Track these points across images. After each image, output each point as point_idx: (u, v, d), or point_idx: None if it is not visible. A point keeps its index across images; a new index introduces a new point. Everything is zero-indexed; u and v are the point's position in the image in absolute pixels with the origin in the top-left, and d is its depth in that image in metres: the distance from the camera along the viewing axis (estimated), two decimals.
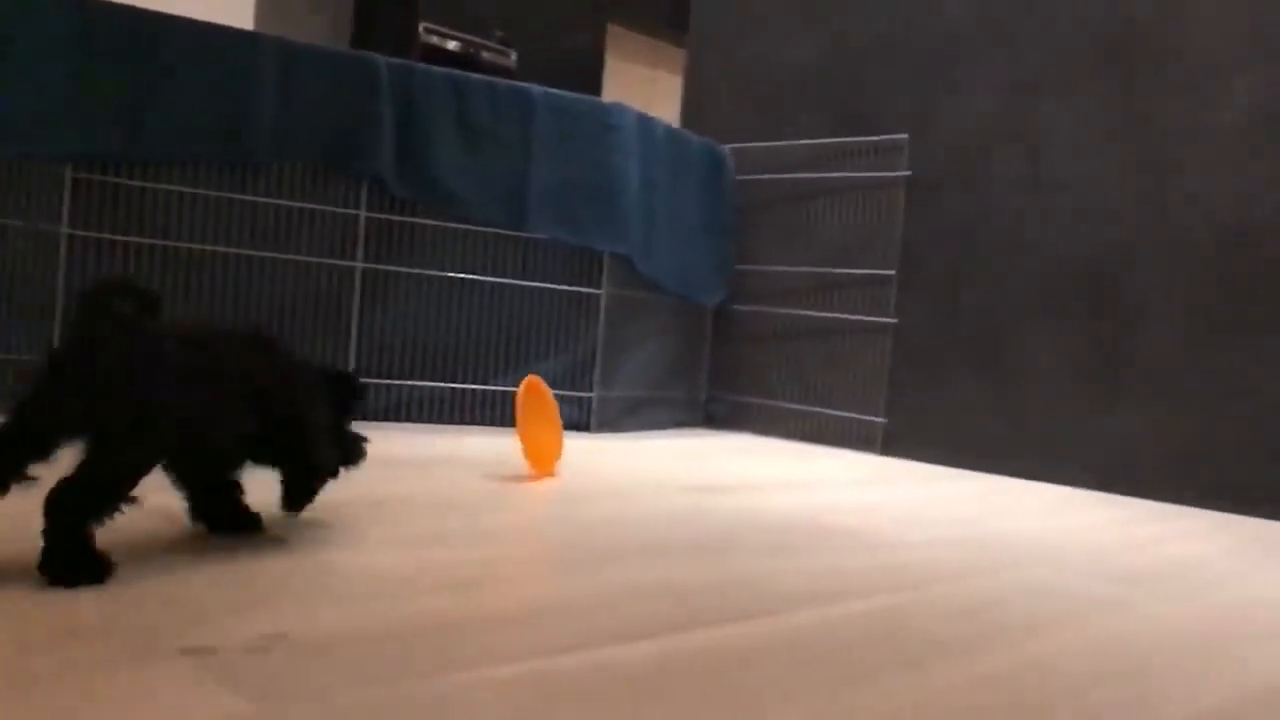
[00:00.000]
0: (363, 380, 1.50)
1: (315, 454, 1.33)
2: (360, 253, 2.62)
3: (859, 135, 3.20)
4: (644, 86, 5.91)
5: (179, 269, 2.43)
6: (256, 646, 0.93)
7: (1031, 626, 1.26)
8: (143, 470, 1.11)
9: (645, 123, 3.02)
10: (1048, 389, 2.78)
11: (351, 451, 1.46)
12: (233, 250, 2.48)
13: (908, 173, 3.07)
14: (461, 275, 2.75)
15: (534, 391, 2.13)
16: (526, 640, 1.02)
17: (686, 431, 3.27)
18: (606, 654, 1.00)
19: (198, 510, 1.31)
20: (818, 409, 3.22)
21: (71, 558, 1.05)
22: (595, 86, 5.39)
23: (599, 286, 2.91)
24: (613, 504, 1.86)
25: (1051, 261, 2.79)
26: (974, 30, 2.98)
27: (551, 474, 2.09)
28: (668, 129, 3.16)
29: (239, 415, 1.22)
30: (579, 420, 2.87)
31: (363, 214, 2.62)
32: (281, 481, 1.33)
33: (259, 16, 4.58)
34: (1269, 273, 2.47)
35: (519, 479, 2.00)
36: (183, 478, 1.29)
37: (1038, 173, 2.83)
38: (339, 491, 1.68)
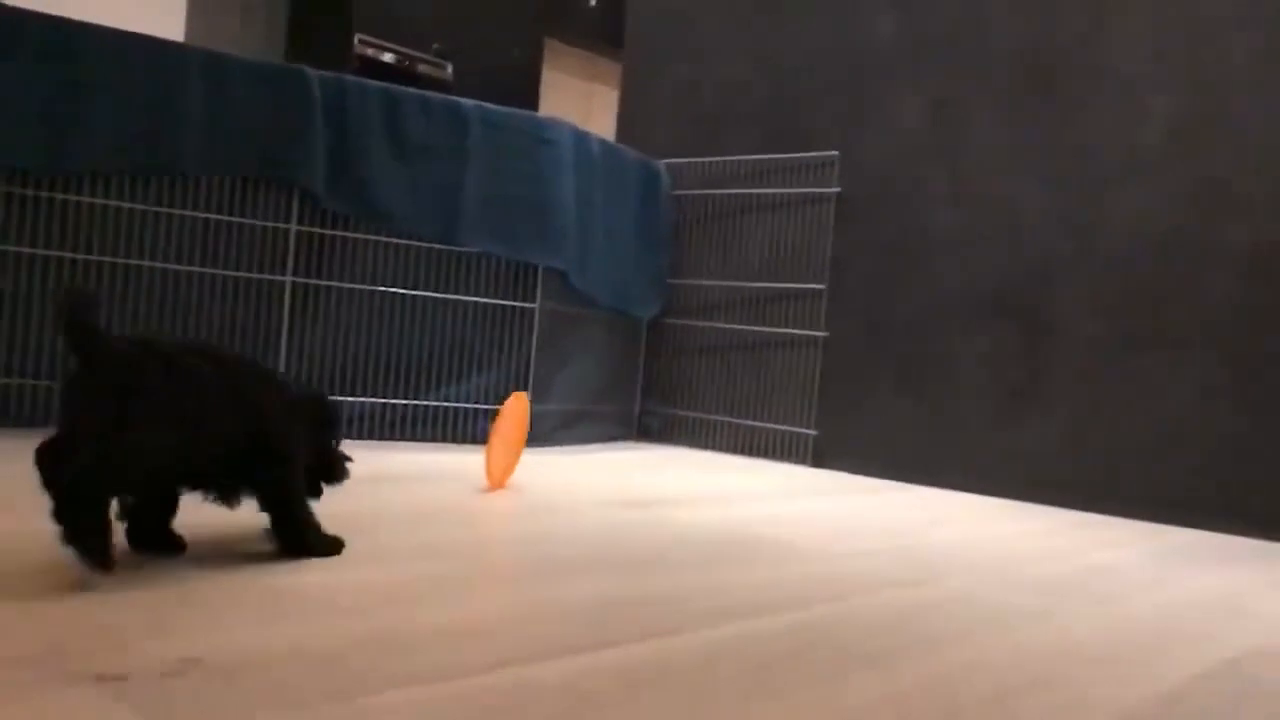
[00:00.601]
0: (336, 403, 1.53)
1: (290, 490, 1.37)
2: (290, 267, 2.59)
3: (791, 152, 3.24)
4: (581, 100, 5.93)
5: (105, 284, 2.38)
6: (171, 671, 0.92)
7: (951, 637, 1.29)
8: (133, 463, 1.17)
9: (581, 138, 3.04)
10: (972, 401, 2.84)
11: (333, 471, 1.48)
12: (160, 265, 2.44)
13: (838, 189, 3.12)
14: (394, 289, 2.73)
15: (516, 411, 2.19)
16: (447, 660, 1.02)
17: (621, 445, 3.28)
18: (527, 672, 1.00)
19: (134, 531, 1.31)
20: (750, 422, 3.25)
21: (91, 541, 1.12)
22: (532, 100, 5.39)
23: (533, 300, 2.91)
24: (545, 520, 1.87)
25: (976, 276, 2.86)
26: (902, 51, 3.04)
27: (502, 487, 2.13)
28: (604, 144, 3.18)
29: (220, 435, 1.28)
30: None
31: (293, 227, 2.60)
32: (271, 528, 1.36)
33: (190, 28, 4.52)
34: (1180, 287, 2.55)
35: (452, 494, 1.99)
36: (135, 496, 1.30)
37: (963, 190, 2.90)
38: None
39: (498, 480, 2.11)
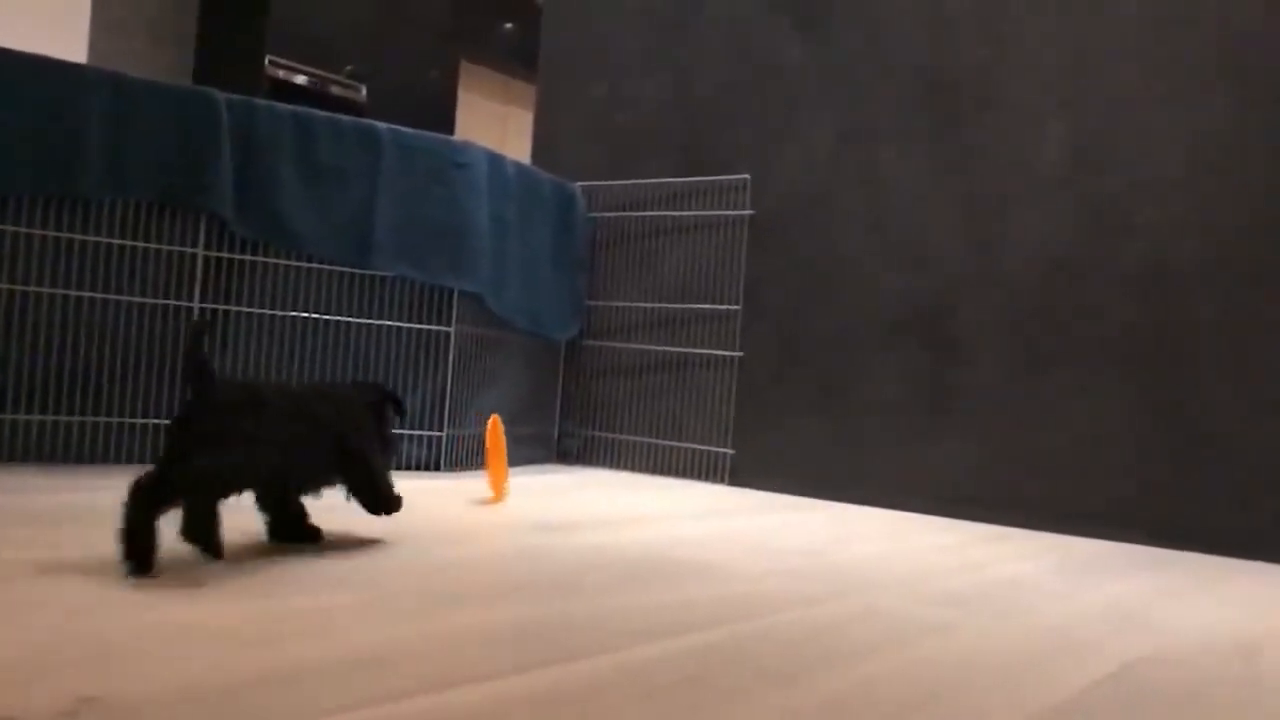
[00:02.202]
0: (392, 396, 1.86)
1: (376, 486, 1.74)
2: (198, 293, 2.54)
3: (704, 175, 3.28)
4: (497, 123, 5.93)
5: (3, 312, 2.31)
6: (67, 711, 0.89)
7: (860, 652, 1.31)
8: (233, 483, 1.49)
9: (496, 161, 3.04)
10: (884, 419, 2.90)
11: (389, 452, 1.83)
12: (60, 291, 2.38)
13: (750, 211, 3.17)
14: (306, 314, 2.70)
15: (496, 431, 2.50)
16: (356, 690, 1.01)
17: (539, 468, 3.27)
18: (440, 699, 1.00)
19: (275, 529, 1.66)
20: (668, 442, 3.27)
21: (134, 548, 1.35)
22: (448, 123, 5.37)
23: (449, 324, 2.89)
24: (461, 545, 1.86)
25: (886, 296, 2.92)
26: (813, 76, 3.11)
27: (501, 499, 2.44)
28: (518, 166, 3.18)
29: (314, 454, 1.64)
30: (429, 460, 2.84)
31: (200, 252, 2.55)
32: (362, 503, 1.74)
33: (94, 48, 4.41)
34: (1083, 305, 2.64)
35: (363, 522, 1.97)
36: (263, 502, 1.65)
37: (873, 212, 2.96)
38: (165, 542, 1.63)
39: (500, 493, 2.44)
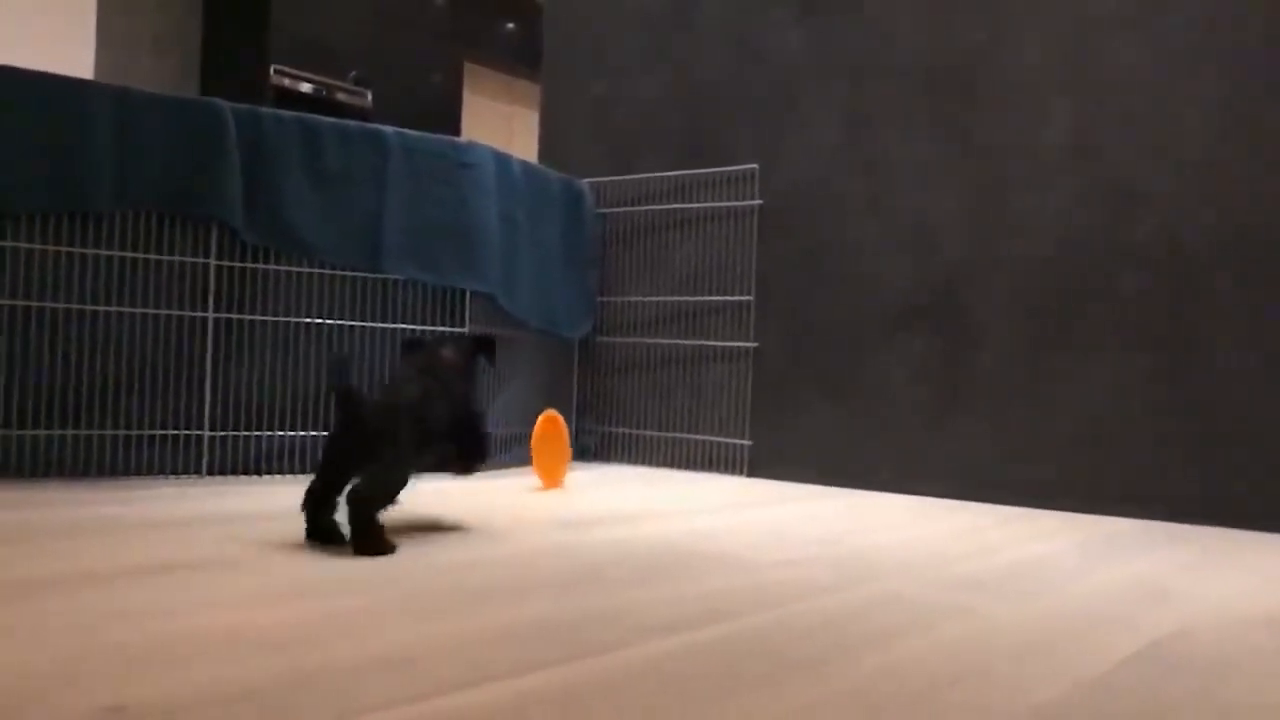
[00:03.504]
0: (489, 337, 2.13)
1: (485, 442, 2.05)
2: (211, 303, 2.56)
3: (710, 167, 3.28)
4: (502, 123, 5.94)
5: (17, 328, 2.32)
6: None
7: (885, 637, 1.31)
8: (403, 484, 1.72)
9: (502, 160, 3.04)
10: (898, 404, 2.89)
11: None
12: (76, 306, 2.39)
13: (759, 202, 3.16)
14: (320, 320, 2.71)
15: (552, 425, 2.75)
16: (382, 692, 1.01)
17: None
18: (461, 699, 1.00)
19: (314, 531, 1.74)
20: (685, 435, 3.27)
21: (374, 538, 1.65)
22: (454, 124, 5.38)
23: (461, 325, 2.90)
24: (482, 544, 1.86)
25: (898, 281, 2.91)
26: (813, 65, 3.10)
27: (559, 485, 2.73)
28: (525, 165, 3.19)
29: (444, 440, 1.91)
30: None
31: (212, 262, 2.56)
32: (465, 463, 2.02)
33: (100, 63, 4.44)
34: (1095, 284, 2.62)
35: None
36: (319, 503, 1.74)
37: (880, 197, 2.95)
38: (186, 551, 1.64)
39: (554, 481, 2.72)
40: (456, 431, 1.93)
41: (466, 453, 1.99)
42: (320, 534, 1.71)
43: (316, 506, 1.71)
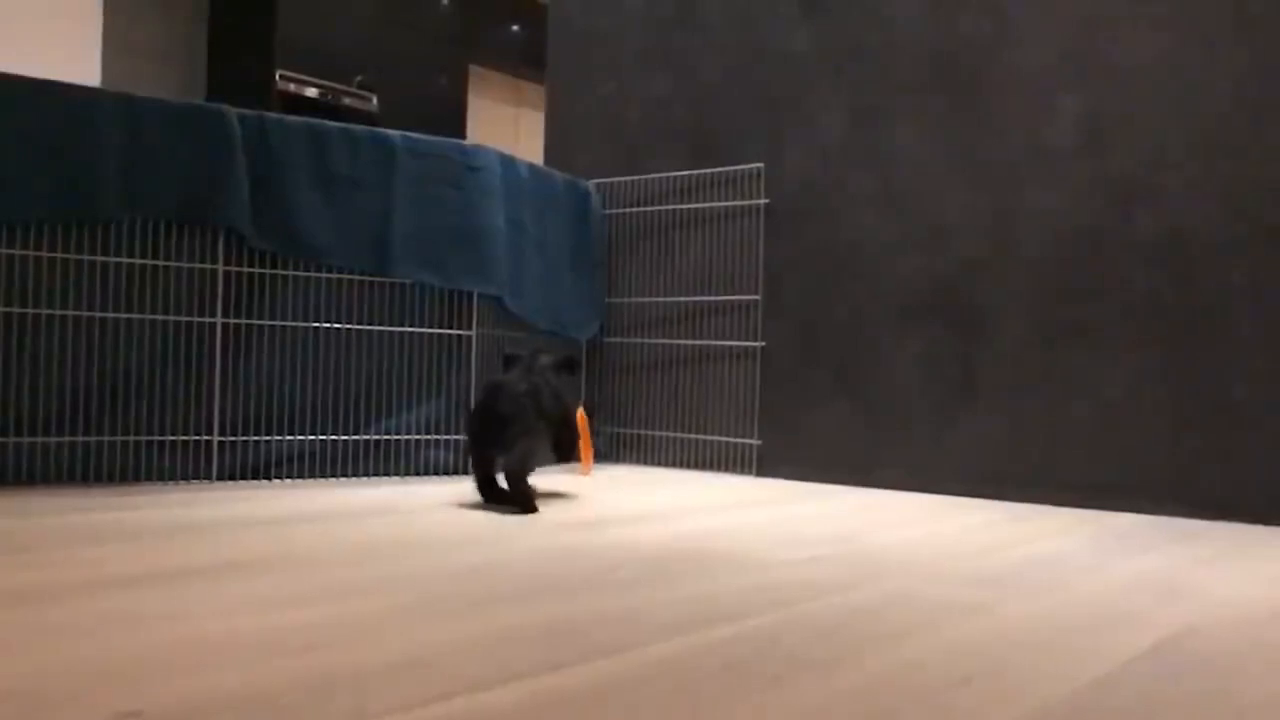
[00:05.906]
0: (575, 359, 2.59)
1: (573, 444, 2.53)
2: (220, 308, 2.56)
3: (716, 166, 3.28)
4: (508, 125, 5.95)
5: (27, 336, 2.33)
6: None
7: (898, 634, 1.31)
8: (536, 456, 2.29)
9: (508, 162, 3.04)
10: (909, 401, 2.89)
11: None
12: (85, 313, 2.40)
13: (765, 200, 3.16)
14: (328, 325, 2.71)
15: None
16: (396, 695, 1.01)
17: (566, 467, 3.27)
18: (477, 700, 1.00)
19: (487, 492, 2.29)
20: (694, 435, 3.27)
21: (528, 499, 2.20)
22: (460, 127, 5.39)
23: (469, 328, 2.90)
24: (493, 546, 1.86)
25: (906, 277, 2.91)
26: (818, 61, 3.10)
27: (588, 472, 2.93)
28: (531, 167, 3.19)
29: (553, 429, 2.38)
30: (453, 464, 2.85)
31: (221, 268, 2.57)
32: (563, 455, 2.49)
33: (106, 71, 4.45)
34: (1106, 276, 2.61)
35: (395, 528, 1.98)
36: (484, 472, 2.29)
37: (887, 193, 2.95)
38: (198, 555, 1.64)
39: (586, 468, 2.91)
40: (555, 426, 2.35)
41: (564, 444, 2.44)
42: (491, 498, 2.27)
43: (484, 483, 2.27)
